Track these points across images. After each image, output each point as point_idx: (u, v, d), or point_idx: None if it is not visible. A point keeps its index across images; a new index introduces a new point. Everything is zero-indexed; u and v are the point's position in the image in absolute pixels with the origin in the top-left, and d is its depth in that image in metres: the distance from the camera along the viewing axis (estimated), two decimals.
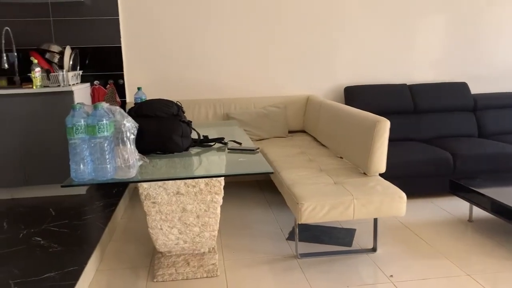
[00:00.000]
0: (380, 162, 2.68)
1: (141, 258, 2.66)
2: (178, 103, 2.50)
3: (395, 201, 2.47)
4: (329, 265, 2.52)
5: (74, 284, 2.15)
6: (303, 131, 4.13)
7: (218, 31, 4.01)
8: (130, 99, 3.97)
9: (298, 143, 3.69)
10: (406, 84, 4.17)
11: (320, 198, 2.42)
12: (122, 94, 3.92)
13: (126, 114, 1.87)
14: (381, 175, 2.80)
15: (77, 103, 1.85)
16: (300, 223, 2.45)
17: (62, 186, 1.79)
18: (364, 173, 2.81)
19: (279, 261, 2.58)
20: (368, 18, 4.15)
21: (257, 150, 2.39)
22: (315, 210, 2.39)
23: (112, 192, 3.54)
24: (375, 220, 2.67)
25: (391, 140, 2.79)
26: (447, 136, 4.05)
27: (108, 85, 3.87)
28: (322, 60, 4.17)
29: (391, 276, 2.39)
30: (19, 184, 3.42)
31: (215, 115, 3.97)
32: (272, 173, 2.02)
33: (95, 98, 3.81)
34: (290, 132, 4.09)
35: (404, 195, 2.49)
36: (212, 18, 3.98)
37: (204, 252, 2.47)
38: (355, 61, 4.22)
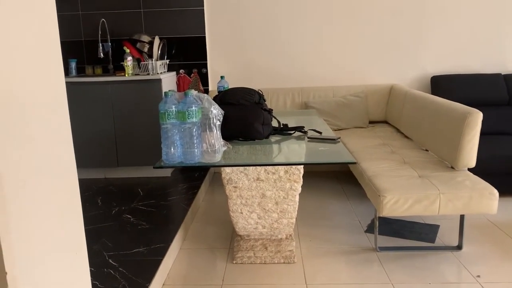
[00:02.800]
0: (470, 156, 2.53)
1: (221, 240, 2.77)
2: (259, 91, 2.54)
3: (485, 198, 2.32)
4: (410, 260, 2.44)
5: (161, 260, 2.29)
6: (385, 122, 4.00)
7: (299, 21, 3.99)
8: (212, 87, 4.11)
9: (380, 134, 3.58)
10: (500, 74, 3.87)
11: (404, 191, 2.34)
12: (205, 82, 4.07)
13: (213, 102, 1.94)
14: (470, 170, 2.64)
15: (169, 90, 1.96)
16: (381, 216, 2.39)
17: (154, 167, 1.91)
18: (452, 167, 2.66)
19: (357, 252, 2.55)
20: (458, 1, 3.88)
21: (338, 139, 2.37)
22: (397, 204, 2.32)
23: (195, 176, 3.70)
24: (462, 217, 2.53)
25: (482, 134, 2.61)
26: None
27: (192, 74, 4.03)
28: (407, 47, 3.99)
29: (478, 276, 2.26)
30: (112, 165, 3.69)
31: (293, 104, 3.97)
32: (355, 163, 1.99)
33: (181, 86, 3.99)
34: (371, 122, 3.98)
35: (496, 191, 2.33)
36: (294, 8, 3.96)
37: (281, 238, 2.51)
38: (443, 49, 3.98)
